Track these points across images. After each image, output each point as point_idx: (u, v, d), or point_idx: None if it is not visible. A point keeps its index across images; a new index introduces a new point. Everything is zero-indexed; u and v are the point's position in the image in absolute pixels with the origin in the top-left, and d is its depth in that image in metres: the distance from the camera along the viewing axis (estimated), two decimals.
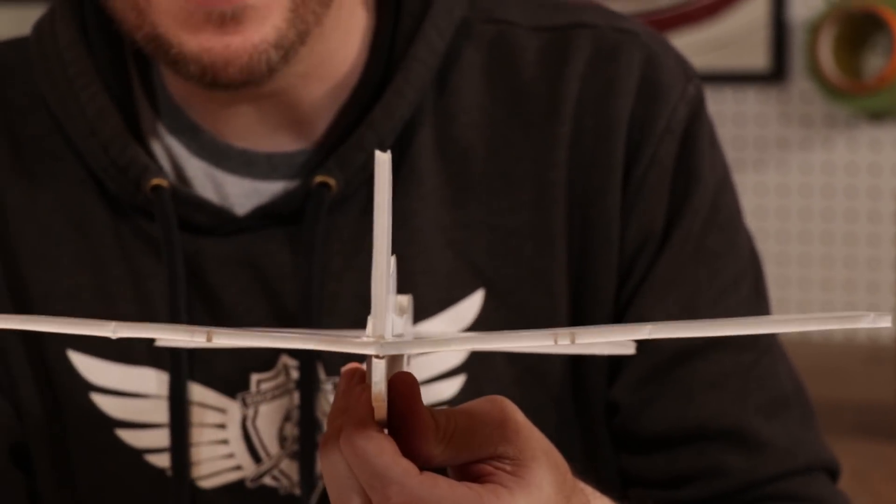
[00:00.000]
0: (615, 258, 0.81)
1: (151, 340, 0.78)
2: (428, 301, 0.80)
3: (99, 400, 0.80)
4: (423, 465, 0.53)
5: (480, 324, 0.84)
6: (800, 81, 1.98)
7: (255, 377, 0.80)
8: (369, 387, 0.52)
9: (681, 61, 0.84)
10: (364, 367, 0.56)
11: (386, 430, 0.54)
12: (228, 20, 0.72)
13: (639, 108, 0.82)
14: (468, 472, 0.56)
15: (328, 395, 0.81)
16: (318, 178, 0.78)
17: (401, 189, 0.81)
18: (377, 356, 0.50)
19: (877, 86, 1.87)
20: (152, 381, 0.80)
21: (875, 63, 1.94)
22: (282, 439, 0.81)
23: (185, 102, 0.82)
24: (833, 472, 0.84)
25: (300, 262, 0.80)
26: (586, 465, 0.80)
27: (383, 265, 0.49)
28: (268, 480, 0.80)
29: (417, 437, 0.53)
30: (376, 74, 0.81)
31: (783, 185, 2.05)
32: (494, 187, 0.82)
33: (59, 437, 0.83)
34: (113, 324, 0.49)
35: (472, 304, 0.82)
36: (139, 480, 0.81)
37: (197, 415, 0.80)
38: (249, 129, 0.81)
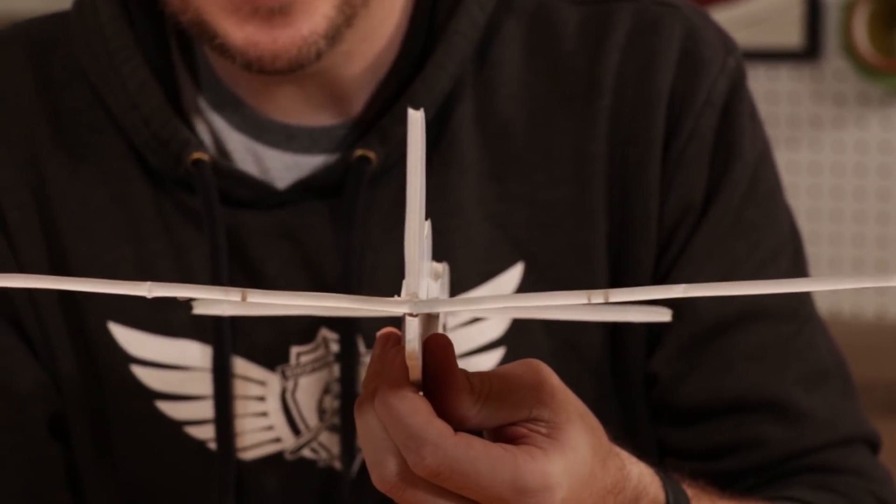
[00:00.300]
0: (654, 231, 0.80)
1: (191, 313, 0.77)
2: (467, 274, 0.80)
3: (139, 372, 0.80)
4: (458, 427, 0.53)
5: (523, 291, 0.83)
6: (833, 59, 1.97)
7: (294, 350, 0.80)
8: (404, 348, 0.51)
9: (721, 34, 0.83)
10: (400, 331, 0.55)
11: (421, 392, 0.54)
12: (276, 14, 0.71)
13: (679, 82, 0.81)
14: (503, 434, 0.55)
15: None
16: (359, 152, 0.77)
17: (441, 162, 0.80)
18: (410, 314, 0.49)
19: None
20: (193, 353, 0.80)
21: None
22: (321, 412, 0.81)
23: (227, 78, 0.81)
24: (873, 445, 0.84)
25: (340, 234, 0.79)
26: (624, 437, 0.78)
27: (416, 225, 0.49)
28: (307, 453, 0.81)
29: (452, 398, 0.53)
30: (416, 48, 0.80)
31: (815, 164, 2.04)
32: (534, 161, 0.81)
33: (99, 409, 0.83)
34: (148, 284, 0.48)
35: (512, 278, 0.82)
36: (178, 452, 0.81)
37: (237, 387, 0.80)
38: (291, 106, 0.81)
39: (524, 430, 0.55)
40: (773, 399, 0.81)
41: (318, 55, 0.73)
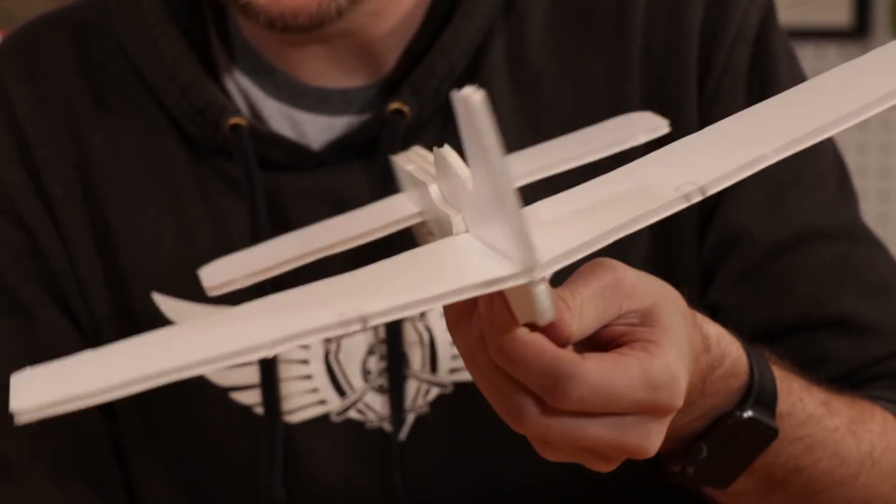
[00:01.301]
0: None
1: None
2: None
3: None
4: (566, 346, 0.52)
5: None
6: (883, 37, 1.94)
7: None
8: (501, 295, 0.49)
9: None
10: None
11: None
12: None
13: (709, 17, 0.80)
14: (599, 339, 0.54)
15: (416, 325, 0.81)
16: (393, 106, 0.78)
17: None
18: (541, 281, 0.47)
19: None
20: None
21: None
22: (365, 373, 0.81)
23: (260, 46, 0.81)
24: None
25: (378, 190, 0.79)
26: None
27: (513, 200, 0.46)
28: (353, 414, 0.80)
29: (556, 323, 0.51)
30: (445, 4, 0.80)
31: (863, 143, 2.00)
32: (571, 109, 0.81)
33: None
34: (270, 340, 0.45)
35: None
36: (225, 418, 0.82)
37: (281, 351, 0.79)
38: (322, 68, 0.81)
39: (621, 329, 0.54)
40: (836, 315, 0.80)
41: (339, 12, 0.74)
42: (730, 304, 0.81)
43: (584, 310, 0.52)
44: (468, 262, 0.50)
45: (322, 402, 0.80)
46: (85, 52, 0.85)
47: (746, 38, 0.81)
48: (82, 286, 0.83)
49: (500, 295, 0.50)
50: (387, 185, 0.78)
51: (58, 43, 0.85)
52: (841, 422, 0.73)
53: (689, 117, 0.80)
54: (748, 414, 0.65)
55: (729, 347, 0.64)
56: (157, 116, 0.82)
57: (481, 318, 0.51)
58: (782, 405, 0.68)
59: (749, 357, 0.66)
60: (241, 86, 0.82)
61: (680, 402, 0.53)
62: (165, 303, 0.80)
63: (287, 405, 0.80)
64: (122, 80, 0.83)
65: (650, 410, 0.52)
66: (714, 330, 0.62)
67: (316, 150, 0.79)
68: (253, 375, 0.80)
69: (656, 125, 0.70)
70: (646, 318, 0.54)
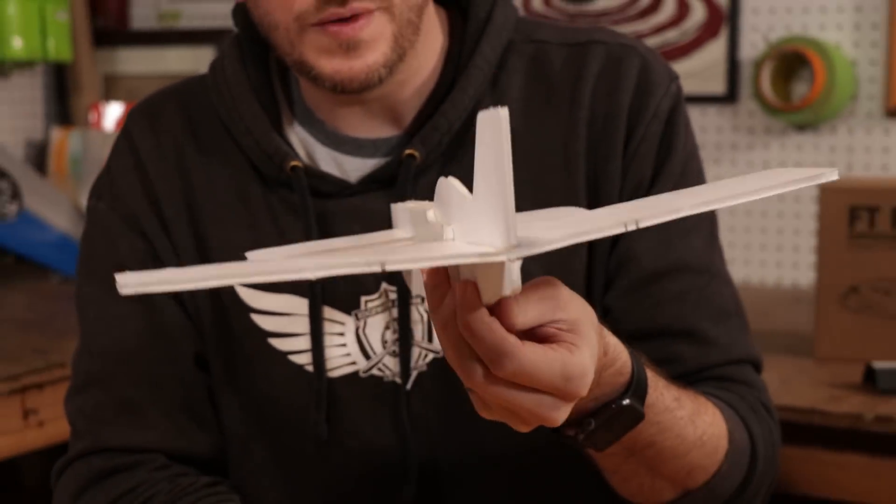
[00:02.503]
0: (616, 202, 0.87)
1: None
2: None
3: (256, 318, 0.88)
4: (510, 331, 0.57)
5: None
6: (747, 102, 2.04)
7: (363, 298, 0.87)
8: (474, 280, 0.55)
9: (666, 66, 0.91)
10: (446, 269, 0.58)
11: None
12: (351, 50, 0.80)
13: (635, 100, 0.88)
14: (534, 335, 0.59)
15: (419, 308, 0.87)
16: (407, 152, 0.85)
17: (468, 156, 0.82)
18: (511, 260, 0.52)
19: (801, 105, 1.93)
20: (294, 303, 0.87)
21: (801, 89, 2.00)
22: (384, 342, 0.87)
23: (315, 106, 0.90)
24: (758, 366, 0.94)
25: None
26: None
27: (510, 192, 0.51)
28: (375, 371, 0.87)
29: (507, 314, 0.57)
30: (447, 78, 0.88)
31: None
32: (533, 156, 0.88)
33: (228, 347, 0.90)
34: (313, 264, 0.50)
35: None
36: (284, 373, 0.88)
37: (325, 326, 0.86)
38: (359, 124, 0.89)
39: (553, 331, 0.59)
40: (689, 329, 0.89)
41: (381, 80, 0.82)
42: (617, 309, 0.88)
43: (528, 308, 0.58)
44: (461, 247, 0.56)
45: (353, 363, 0.87)
46: (190, 114, 0.93)
47: (659, 118, 0.89)
48: None
49: (473, 283, 0.55)
50: None
51: (171, 108, 0.94)
52: (686, 413, 0.80)
53: (614, 170, 0.88)
54: (626, 402, 0.72)
55: (621, 354, 0.70)
56: (240, 160, 0.90)
57: (455, 299, 0.56)
58: (649, 398, 0.74)
59: (633, 362, 0.72)
60: (300, 136, 0.90)
61: (585, 392, 0.59)
62: (243, 291, 0.88)
63: (328, 365, 0.87)
64: (216, 134, 0.91)
65: (562, 395, 0.58)
66: (612, 340, 0.69)
67: (353, 183, 0.88)
68: (305, 343, 0.86)
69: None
70: (572, 327, 0.59)
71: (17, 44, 2.06)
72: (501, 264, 0.53)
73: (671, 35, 2.12)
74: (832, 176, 0.58)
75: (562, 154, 0.88)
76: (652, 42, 2.08)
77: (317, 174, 0.87)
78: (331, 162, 0.89)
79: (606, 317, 0.89)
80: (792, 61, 1.96)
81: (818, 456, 1.36)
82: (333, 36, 0.80)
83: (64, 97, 2.37)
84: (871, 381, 1.39)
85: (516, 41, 0.90)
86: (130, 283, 0.48)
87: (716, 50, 2.09)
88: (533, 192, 0.86)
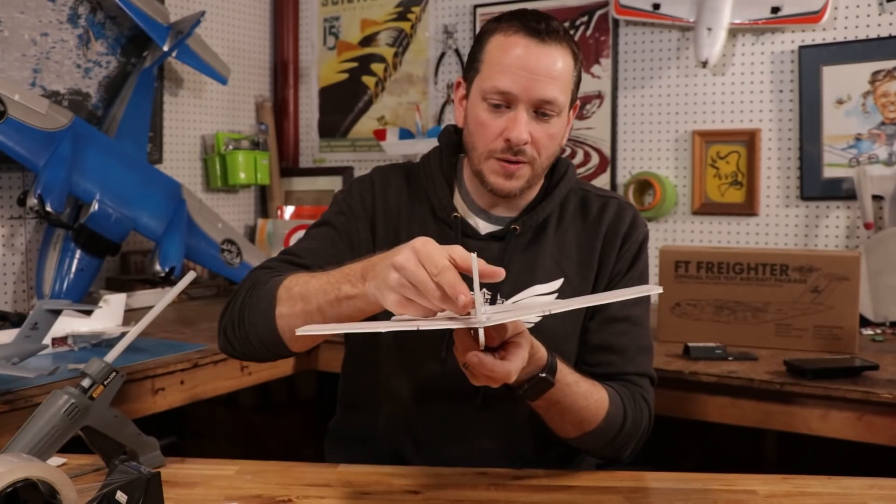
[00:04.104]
0: (606, 279, 1.47)
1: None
2: (545, 279, 1.42)
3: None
4: (492, 350, 1.08)
5: (561, 292, 1.44)
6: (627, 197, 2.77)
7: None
8: (478, 334, 1.03)
9: (643, 218, 1.48)
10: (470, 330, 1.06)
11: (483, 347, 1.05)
12: (508, 177, 1.38)
13: (627, 232, 1.47)
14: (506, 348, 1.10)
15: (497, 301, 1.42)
16: (513, 225, 1.44)
17: (545, 235, 1.47)
18: (480, 327, 0.99)
19: (649, 208, 2.82)
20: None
21: (648, 199, 2.87)
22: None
23: (473, 193, 1.49)
24: (653, 380, 1.48)
25: (503, 254, 1.40)
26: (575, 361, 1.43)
27: (478, 292, 0.91)
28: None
29: (498, 365, 1.07)
30: (541, 198, 1.48)
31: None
32: (574, 248, 1.46)
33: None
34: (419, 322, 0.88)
35: (558, 282, 1.45)
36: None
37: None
38: (496, 207, 1.47)
39: (513, 343, 1.10)
40: (622, 350, 1.42)
41: (515, 195, 1.42)
42: (591, 329, 1.43)
43: (515, 356, 1.08)
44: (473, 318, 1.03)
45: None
46: (407, 180, 1.51)
47: (637, 242, 1.45)
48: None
49: (474, 335, 1.04)
50: (504, 252, 1.39)
51: (398, 172, 1.53)
52: (581, 389, 1.28)
53: (610, 262, 1.44)
54: (543, 375, 1.20)
55: (541, 351, 1.20)
56: (429, 208, 1.47)
57: (463, 344, 1.05)
58: (557, 375, 1.21)
59: (549, 356, 1.21)
60: (462, 205, 1.48)
61: (512, 379, 1.08)
62: None
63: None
64: (419, 194, 1.48)
65: (502, 378, 1.07)
66: (538, 345, 1.17)
67: (482, 234, 1.46)
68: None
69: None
70: (517, 342, 1.09)
71: (242, 175, 3.51)
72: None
73: (581, 170, 3.12)
74: (658, 290, 1.03)
75: (588, 249, 1.49)
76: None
77: (466, 224, 1.45)
78: (477, 221, 1.49)
79: (585, 333, 1.46)
80: (644, 184, 3.00)
81: (665, 392, 1.99)
82: (503, 167, 1.39)
83: (264, 203, 3.72)
84: (686, 353, 2.13)
85: (575, 188, 1.54)
86: (306, 329, 0.85)
87: (605, 178, 3.11)
88: (577, 263, 1.48)
